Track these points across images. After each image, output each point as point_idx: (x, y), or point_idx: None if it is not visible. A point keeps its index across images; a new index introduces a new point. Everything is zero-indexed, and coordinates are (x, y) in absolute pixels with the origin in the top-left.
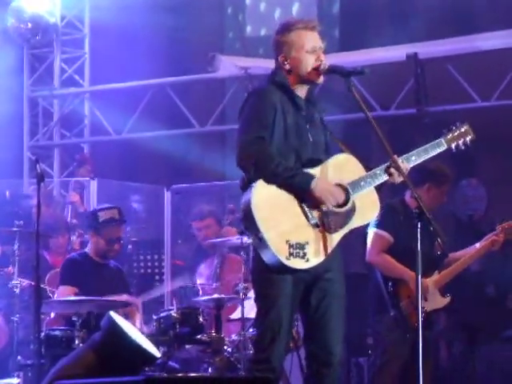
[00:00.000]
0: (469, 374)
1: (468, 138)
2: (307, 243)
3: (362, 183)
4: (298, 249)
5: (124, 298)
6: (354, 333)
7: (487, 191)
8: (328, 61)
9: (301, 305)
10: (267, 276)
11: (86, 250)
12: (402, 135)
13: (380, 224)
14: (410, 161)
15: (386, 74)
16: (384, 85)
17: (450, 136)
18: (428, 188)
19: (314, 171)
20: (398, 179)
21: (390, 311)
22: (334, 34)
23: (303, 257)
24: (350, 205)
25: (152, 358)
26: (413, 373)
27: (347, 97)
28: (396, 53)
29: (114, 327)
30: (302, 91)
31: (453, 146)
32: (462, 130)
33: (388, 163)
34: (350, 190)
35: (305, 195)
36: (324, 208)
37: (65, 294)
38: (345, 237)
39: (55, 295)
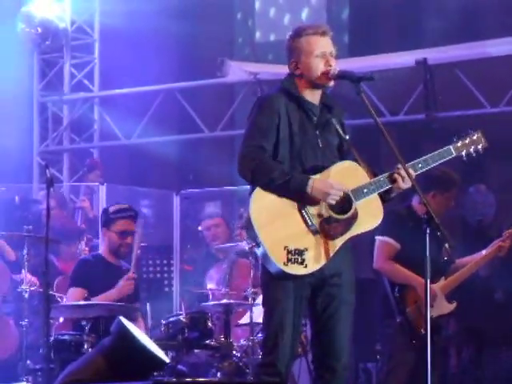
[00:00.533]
0: (478, 379)
1: (480, 146)
2: (306, 249)
3: (365, 190)
4: (296, 255)
5: (114, 289)
6: (363, 338)
7: (496, 197)
8: (337, 66)
9: (308, 309)
10: (271, 281)
11: (100, 251)
12: (411, 141)
13: (386, 231)
14: (417, 168)
15: (395, 79)
16: (393, 90)
17: (459, 144)
18: (433, 195)
19: (315, 177)
20: (404, 185)
21: (397, 317)
22: (344, 40)
23: (302, 263)
24: (351, 212)
25: (162, 363)
26: (421, 379)
27: (356, 102)
28: (405, 58)
29: (124, 332)
30: (313, 96)
31: (463, 153)
32: (474, 137)
33: (392, 171)
34: (353, 197)
35: (303, 197)
36: (324, 211)
37: (74, 296)
38: (350, 242)
39: (64, 299)
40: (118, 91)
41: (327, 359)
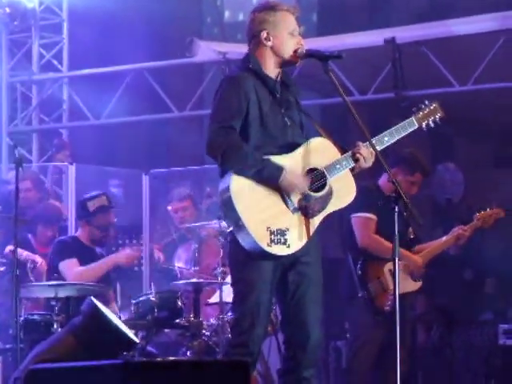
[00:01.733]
0: (447, 357)
1: (437, 116)
2: (288, 229)
3: (338, 166)
4: (279, 235)
5: (127, 251)
6: (332, 317)
7: (464, 175)
8: (306, 45)
9: (278, 289)
10: (245, 261)
11: (77, 234)
12: (380, 119)
13: (363, 207)
14: (384, 142)
15: (363, 58)
16: (362, 69)
17: (420, 114)
18: (395, 173)
19: (289, 158)
20: (365, 165)
21: (359, 292)
22: (312, 19)
23: (284, 243)
24: (327, 189)
25: (132, 343)
26: (390, 356)
27: (325, 81)
28: (374, 37)
29: (95, 312)
30: (275, 73)
31: (423, 124)
32: (432, 107)
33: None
34: (327, 174)
35: (273, 186)
36: (289, 204)
37: (71, 265)
38: (322, 221)
39: (65, 270)
40: (86, 71)
41: (300, 338)
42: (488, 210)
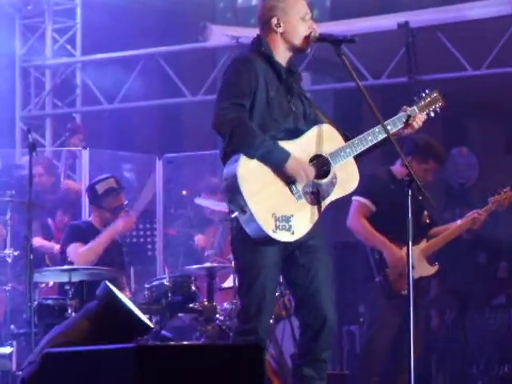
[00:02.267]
0: (460, 341)
1: (438, 105)
2: (292, 216)
3: (342, 153)
4: (283, 221)
5: (119, 221)
6: (346, 301)
7: (478, 159)
8: (319, 30)
9: (288, 274)
10: (249, 247)
11: (90, 219)
12: (393, 104)
13: (363, 192)
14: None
15: (377, 43)
16: (375, 54)
17: (422, 103)
18: (410, 161)
19: (294, 144)
20: (416, 127)
21: (376, 277)
22: (326, 4)
23: (289, 229)
24: (331, 176)
25: (147, 327)
26: (404, 341)
27: (338, 66)
28: (387, 22)
29: (110, 296)
30: (284, 59)
31: (424, 114)
32: (433, 96)
33: (372, 130)
34: (331, 161)
35: (279, 171)
36: (294, 191)
37: (76, 249)
38: (329, 207)
39: (70, 254)
40: (100, 56)
41: (314, 321)
42: (503, 192)
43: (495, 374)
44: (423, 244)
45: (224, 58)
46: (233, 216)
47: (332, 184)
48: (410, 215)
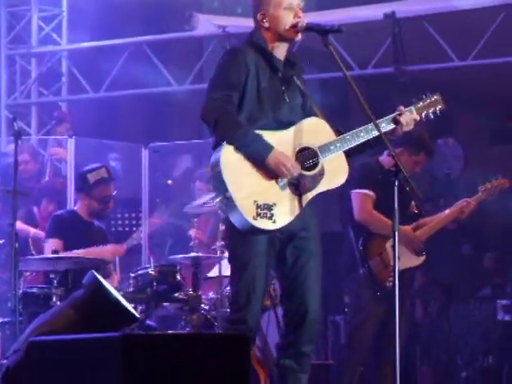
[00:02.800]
0: (445, 332)
1: (438, 108)
2: (275, 204)
3: (332, 147)
4: (265, 209)
5: (109, 247)
6: (331, 291)
7: (463, 150)
8: (306, 20)
9: (277, 264)
10: (240, 237)
11: (75, 208)
12: (380, 94)
13: (362, 184)
14: (381, 128)
15: (363, 32)
16: (362, 44)
17: (420, 105)
18: (401, 152)
19: (282, 135)
20: (406, 128)
21: (360, 269)
22: None
23: (270, 218)
24: (318, 169)
25: (133, 318)
26: (388, 331)
27: (324, 55)
28: (374, 12)
29: (97, 285)
30: (281, 51)
31: (423, 115)
32: (433, 99)
33: (366, 126)
34: (320, 154)
35: (260, 165)
36: (279, 180)
37: (52, 246)
38: (318, 197)
39: (46, 249)
40: (86, 44)
41: (300, 312)
42: (494, 181)
43: (479, 365)
44: None
45: (211, 47)
46: (215, 202)
47: (320, 177)
48: (396, 205)
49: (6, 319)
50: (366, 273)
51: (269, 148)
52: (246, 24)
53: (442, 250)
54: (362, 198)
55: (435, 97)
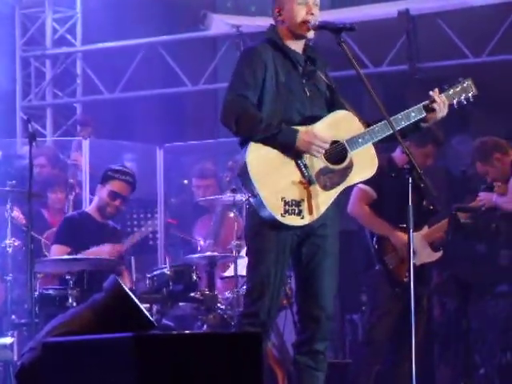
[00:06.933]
0: (463, 330)
1: (470, 94)
2: (303, 200)
3: (360, 140)
4: (293, 206)
5: (106, 247)
6: (348, 289)
7: None
8: (319, 17)
9: (293, 260)
10: (259, 231)
11: (87, 209)
12: (394, 92)
13: (367, 180)
14: (411, 117)
15: (377, 30)
16: (375, 41)
17: (451, 91)
18: (408, 146)
19: (308, 128)
20: (440, 114)
21: (376, 265)
22: None
23: (299, 214)
24: (347, 162)
25: (151, 324)
26: (406, 328)
27: (338, 54)
28: (387, 9)
29: (118, 290)
30: (297, 46)
31: (454, 101)
32: (465, 85)
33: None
34: (348, 147)
35: (292, 151)
36: (320, 161)
37: (57, 253)
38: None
39: (53, 254)
40: (100, 45)
41: (312, 310)
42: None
43: (497, 362)
44: (425, 230)
45: (225, 47)
46: (245, 200)
47: (348, 170)
48: (410, 203)
49: (22, 321)
50: (382, 269)
51: (294, 133)
52: (260, 23)
53: (459, 246)
54: (359, 193)
55: (467, 82)
